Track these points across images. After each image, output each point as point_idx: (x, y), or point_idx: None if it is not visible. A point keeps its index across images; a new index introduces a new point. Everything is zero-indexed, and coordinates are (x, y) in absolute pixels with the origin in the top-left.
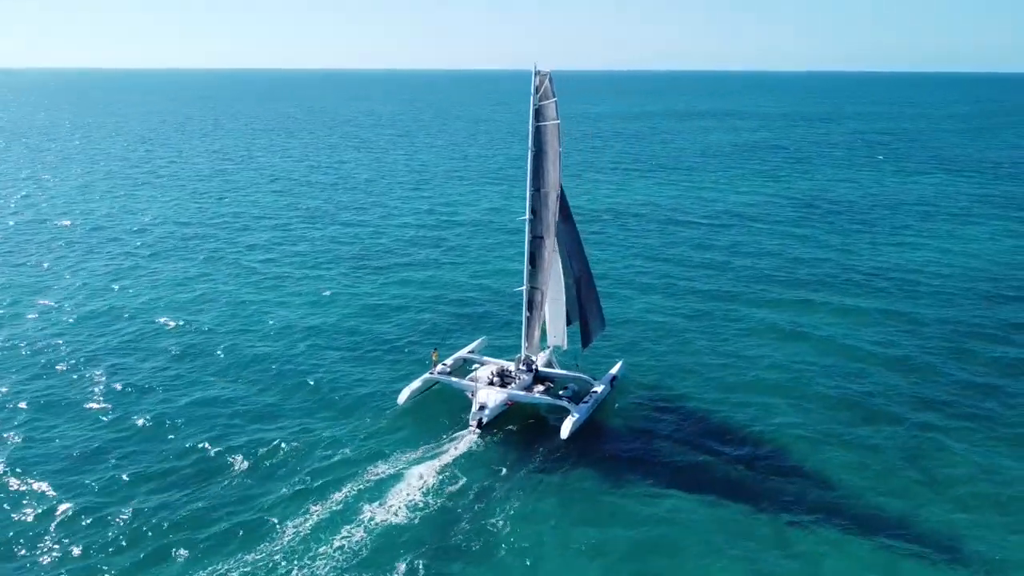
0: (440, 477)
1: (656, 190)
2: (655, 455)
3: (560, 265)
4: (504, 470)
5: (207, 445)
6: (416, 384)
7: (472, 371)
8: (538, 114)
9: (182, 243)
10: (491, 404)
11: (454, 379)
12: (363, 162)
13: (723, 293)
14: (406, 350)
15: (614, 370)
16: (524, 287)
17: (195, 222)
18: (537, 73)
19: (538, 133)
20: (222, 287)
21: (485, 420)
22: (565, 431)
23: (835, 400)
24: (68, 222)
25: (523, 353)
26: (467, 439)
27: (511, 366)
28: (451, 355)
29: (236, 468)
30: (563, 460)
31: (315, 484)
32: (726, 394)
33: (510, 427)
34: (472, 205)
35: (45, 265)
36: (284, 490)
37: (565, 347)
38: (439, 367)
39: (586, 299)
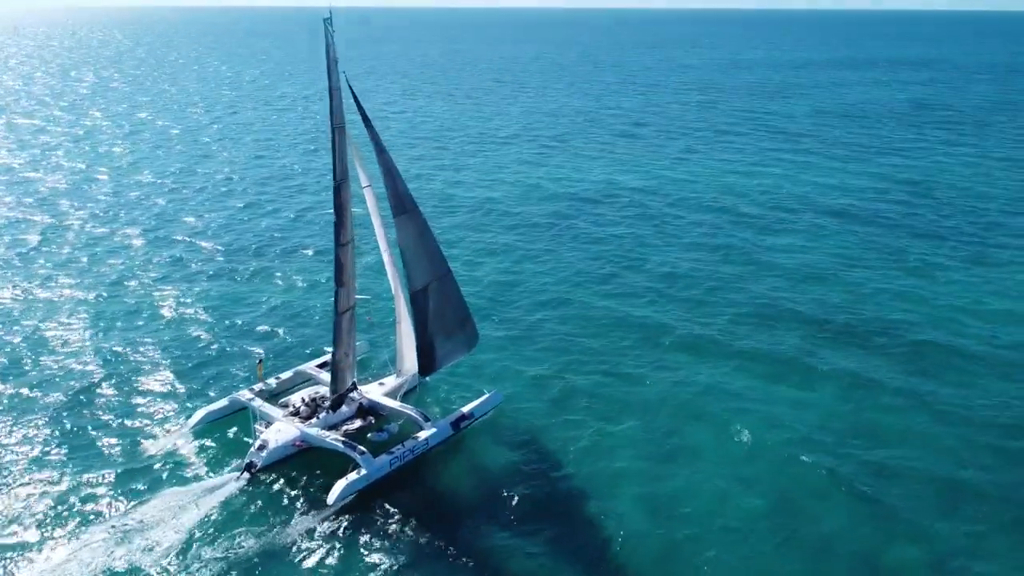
0: (169, 540)
1: (734, 166)
2: (471, 546)
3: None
4: (252, 542)
5: None
6: (220, 404)
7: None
8: (331, 75)
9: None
10: (273, 444)
11: (259, 403)
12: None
13: (716, 325)
14: (249, 359)
15: (468, 407)
16: (340, 311)
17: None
18: (326, 19)
19: (334, 100)
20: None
21: (260, 465)
22: (333, 493)
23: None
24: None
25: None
26: (227, 488)
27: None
28: (291, 368)
29: None
30: (338, 534)
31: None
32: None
33: (296, 474)
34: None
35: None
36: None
37: (406, 375)
38: (259, 385)
39: (435, 314)
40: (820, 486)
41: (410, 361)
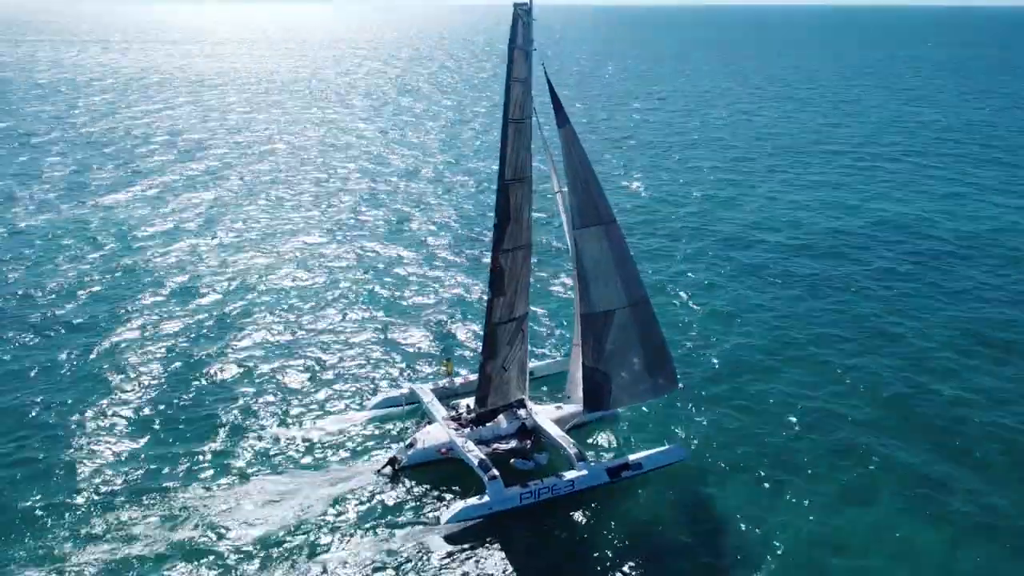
0: (284, 517)
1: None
2: None
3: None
4: (360, 536)
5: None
6: (398, 393)
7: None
8: (512, 64)
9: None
10: (421, 445)
11: (430, 399)
12: None
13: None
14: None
15: (636, 456)
16: (496, 321)
17: None
18: (519, 4)
19: (512, 92)
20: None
21: (404, 462)
22: (448, 512)
23: None
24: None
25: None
26: (364, 478)
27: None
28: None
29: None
30: (439, 555)
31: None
32: None
33: (436, 481)
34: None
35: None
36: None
37: (569, 408)
38: (444, 381)
39: (617, 345)
40: None
41: (571, 389)
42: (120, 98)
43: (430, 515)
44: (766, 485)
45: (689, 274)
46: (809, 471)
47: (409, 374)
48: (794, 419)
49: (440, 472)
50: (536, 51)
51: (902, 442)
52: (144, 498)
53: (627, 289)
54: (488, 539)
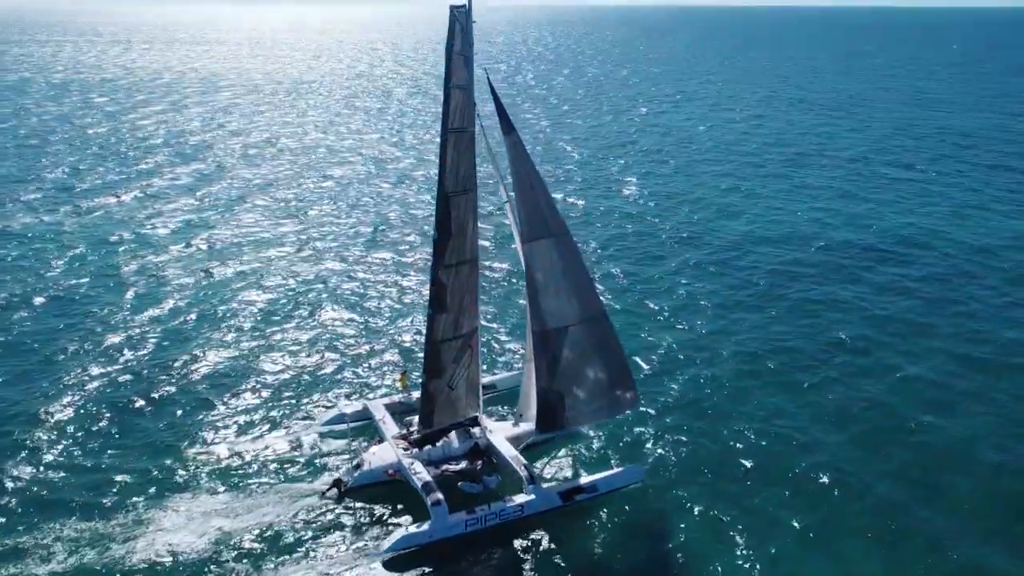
0: (216, 537)
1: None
2: None
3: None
4: (296, 562)
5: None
6: (352, 409)
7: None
8: (451, 71)
9: None
10: (368, 466)
11: (382, 416)
12: None
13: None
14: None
15: (589, 478)
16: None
17: None
18: (456, 6)
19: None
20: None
21: (349, 485)
22: (385, 544)
23: None
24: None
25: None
26: (307, 500)
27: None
28: None
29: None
30: None
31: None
32: None
33: (382, 505)
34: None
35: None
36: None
37: (525, 426)
38: (399, 397)
39: (571, 363)
40: None
41: (535, 409)
42: (128, 99)
43: (371, 543)
44: (722, 516)
45: (667, 289)
46: (767, 504)
47: (363, 389)
48: (758, 448)
49: (389, 495)
50: (478, 55)
51: (870, 478)
52: (53, 518)
53: (581, 304)
54: (430, 570)
